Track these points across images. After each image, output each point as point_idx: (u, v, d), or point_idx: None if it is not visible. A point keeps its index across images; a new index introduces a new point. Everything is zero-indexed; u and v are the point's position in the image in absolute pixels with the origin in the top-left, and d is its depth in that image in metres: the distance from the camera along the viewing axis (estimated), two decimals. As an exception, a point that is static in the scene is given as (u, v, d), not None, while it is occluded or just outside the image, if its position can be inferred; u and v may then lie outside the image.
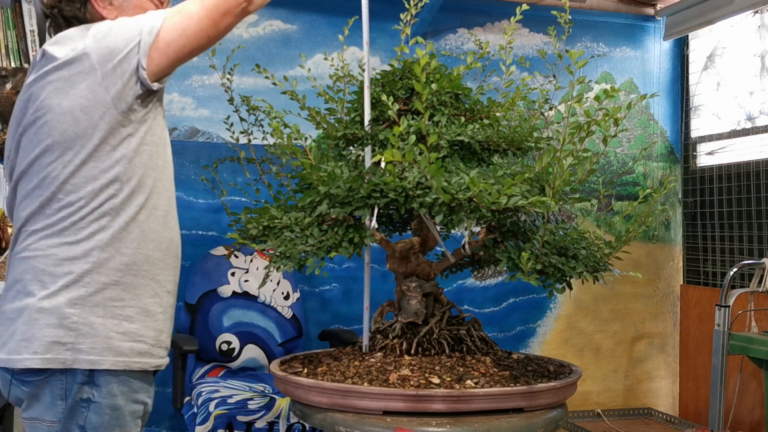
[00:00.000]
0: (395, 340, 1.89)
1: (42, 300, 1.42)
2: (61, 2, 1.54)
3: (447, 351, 1.89)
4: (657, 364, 3.87)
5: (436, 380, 1.72)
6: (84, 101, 1.43)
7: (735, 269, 2.95)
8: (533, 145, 2.02)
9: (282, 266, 1.68)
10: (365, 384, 1.71)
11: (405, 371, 1.76)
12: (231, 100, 2.03)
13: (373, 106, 1.95)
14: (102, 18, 1.53)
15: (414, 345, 1.88)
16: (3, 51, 2.61)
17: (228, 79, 2.25)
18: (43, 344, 1.40)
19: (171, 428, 3.17)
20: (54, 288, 1.42)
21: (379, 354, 1.88)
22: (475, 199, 1.62)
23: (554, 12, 1.99)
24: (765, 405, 2.94)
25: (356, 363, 1.85)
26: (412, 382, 1.71)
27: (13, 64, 2.60)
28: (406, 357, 1.85)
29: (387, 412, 1.67)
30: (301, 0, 3.35)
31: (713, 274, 3.70)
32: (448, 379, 1.74)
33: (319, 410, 1.75)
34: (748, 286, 2.96)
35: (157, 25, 1.43)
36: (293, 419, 2.53)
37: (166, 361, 1.56)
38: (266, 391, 2.65)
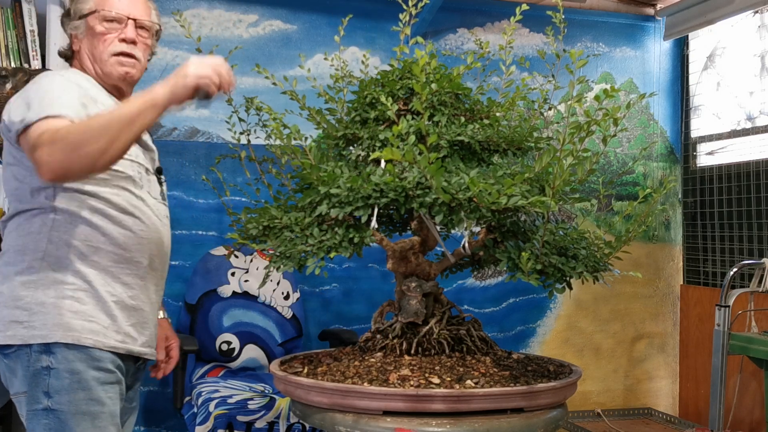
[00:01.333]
0: (395, 340, 1.89)
1: (1, 284, 1.63)
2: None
3: (447, 351, 1.89)
4: (657, 364, 3.87)
5: (436, 380, 1.72)
6: None
7: (735, 269, 2.95)
8: (533, 145, 2.02)
9: (282, 266, 1.69)
10: (365, 384, 1.71)
11: (405, 371, 1.76)
12: (230, 101, 2.02)
13: (373, 106, 1.95)
14: (72, 51, 1.77)
15: (414, 345, 1.87)
16: (3, 51, 2.61)
17: None
18: (4, 323, 1.60)
19: (171, 428, 3.17)
20: (10, 273, 1.62)
21: (379, 354, 1.88)
22: (475, 199, 1.62)
23: (549, 12, 1.99)
24: (765, 405, 2.94)
25: (356, 363, 1.85)
26: (412, 382, 1.71)
27: (13, 64, 2.60)
28: (406, 357, 1.85)
29: (387, 412, 1.67)
30: (301, 0, 3.35)
31: (713, 274, 3.70)
32: (448, 379, 1.74)
33: (319, 410, 1.75)
34: (748, 286, 2.96)
35: None
36: (293, 419, 2.53)
37: (130, 347, 1.67)
38: (266, 391, 2.65)
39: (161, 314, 1.98)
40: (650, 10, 3.87)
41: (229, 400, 2.54)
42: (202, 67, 1.49)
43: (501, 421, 1.68)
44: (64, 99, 1.53)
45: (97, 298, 1.63)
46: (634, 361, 3.84)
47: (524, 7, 2.12)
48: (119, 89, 1.77)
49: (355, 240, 1.69)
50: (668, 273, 3.89)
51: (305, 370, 1.86)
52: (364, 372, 1.78)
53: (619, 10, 3.82)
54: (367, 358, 1.88)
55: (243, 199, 3.01)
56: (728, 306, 2.87)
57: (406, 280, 1.93)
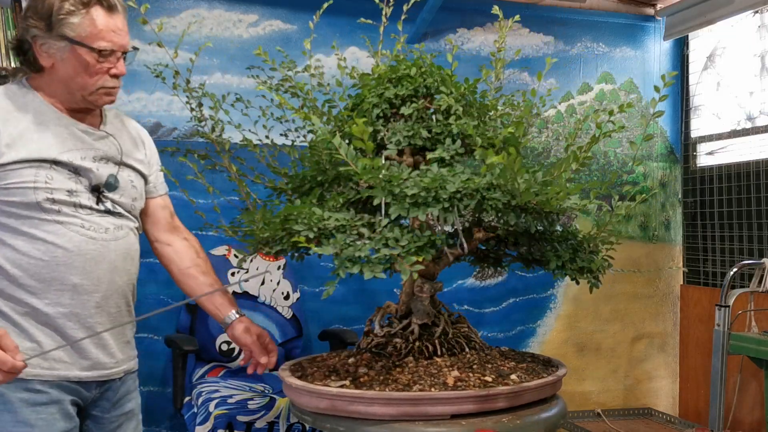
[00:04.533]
0: (416, 343, 1.86)
1: None
2: (22, 43, 1.70)
3: (466, 349, 1.89)
4: (657, 364, 3.87)
5: (489, 378, 1.73)
6: None
7: (735, 269, 2.95)
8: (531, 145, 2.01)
9: (369, 271, 1.52)
10: (432, 389, 1.67)
11: (455, 372, 1.74)
12: (187, 90, 1.93)
13: (391, 103, 1.87)
14: (38, 63, 1.68)
15: (438, 346, 1.85)
16: (3, 51, 2.61)
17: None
18: None
19: (171, 428, 3.17)
20: None
21: (410, 358, 1.82)
22: (534, 202, 1.60)
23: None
24: (765, 405, 2.94)
25: (398, 370, 1.77)
26: (470, 383, 1.70)
27: (13, 64, 2.60)
28: (437, 359, 1.81)
29: (456, 416, 1.64)
30: (301, 0, 3.35)
31: (713, 274, 3.70)
32: (493, 375, 1.75)
33: (381, 422, 1.65)
34: (748, 286, 2.96)
35: None
36: (293, 419, 2.53)
37: (62, 373, 1.67)
38: (266, 391, 2.65)
39: (232, 315, 1.93)
40: (650, 10, 3.87)
41: (229, 400, 2.54)
42: None
43: (542, 407, 1.74)
44: None
45: (15, 325, 1.63)
46: (634, 361, 3.84)
47: (515, 20, 2.11)
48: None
49: (437, 243, 1.64)
50: (668, 273, 3.89)
51: (347, 382, 1.73)
52: (416, 378, 1.74)
53: (619, 10, 3.82)
54: (400, 363, 1.81)
55: (235, 199, 3.00)
56: (728, 306, 2.87)
57: (418, 281, 1.91)
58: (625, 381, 3.83)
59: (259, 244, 1.76)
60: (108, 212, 1.75)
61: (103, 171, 1.75)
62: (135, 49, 1.75)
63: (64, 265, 1.66)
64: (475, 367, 1.80)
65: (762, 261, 2.93)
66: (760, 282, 2.90)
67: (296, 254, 1.84)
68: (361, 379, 1.73)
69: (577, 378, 3.75)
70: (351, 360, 1.87)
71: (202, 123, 1.98)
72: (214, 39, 3.24)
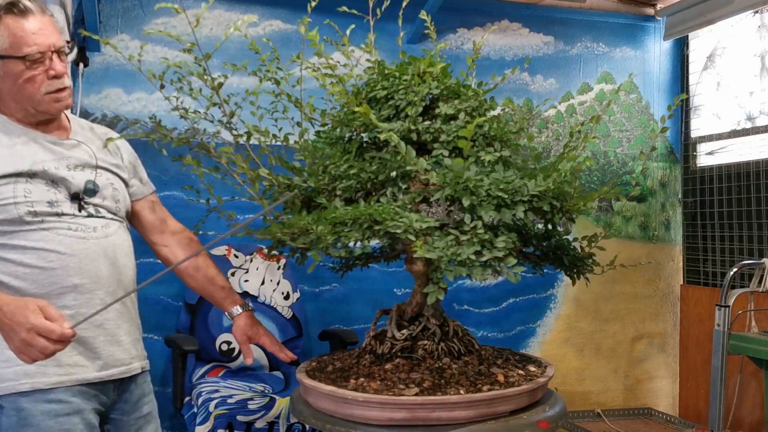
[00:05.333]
0: (441, 344, 1.82)
1: None
2: None
3: (477, 347, 1.89)
4: (657, 364, 3.87)
5: (533, 368, 1.78)
6: None
7: (735, 269, 2.95)
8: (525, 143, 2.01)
9: (479, 275, 1.50)
10: (500, 389, 1.66)
11: (497, 370, 1.76)
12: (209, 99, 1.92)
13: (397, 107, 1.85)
14: None
15: (459, 345, 1.85)
16: None
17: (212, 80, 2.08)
18: None
19: (171, 428, 3.17)
20: None
21: (447, 359, 1.80)
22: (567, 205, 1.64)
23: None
24: (765, 405, 2.94)
25: (448, 372, 1.74)
26: (512, 379, 1.71)
27: None
28: (464, 357, 1.81)
29: (514, 412, 1.67)
30: (301, 0, 3.35)
31: (713, 274, 3.70)
32: (521, 371, 1.80)
33: (459, 426, 1.60)
34: (748, 286, 2.96)
35: None
36: (293, 419, 2.53)
37: (80, 377, 1.67)
38: (266, 391, 2.65)
39: (235, 310, 1.98)
40: (650, 10, 3.87)
41: (229, 400, 2.54)
42: (26, 352, 1.47)
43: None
44: None
45: None
46: (634, 361, 3.84)
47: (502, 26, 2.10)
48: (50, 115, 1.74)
49: (517, 243, 1.63)
50: (668, 273, 3.89)
51: (413, 390, 1.65)
52: (471, 378, 1.72)
53: (619, 10, 3.82)
54: (440, 364, 1.78)
55: (243, 199, 3.00)
56: (728, 306, 2.87)
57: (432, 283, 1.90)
58: (625, 381, 3.83)
59: (305, 245, 1.67)
60: (91, 217, 1.74)
61: (79, 178, 1.73)
62: (68, 42, 1.70)
63: (60, 269, 1.66)
64: (499, 362, 1.84)
65: (762, 261, 2.93)
66: (760, 282, 2.90)
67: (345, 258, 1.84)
68: (425, 384, 1.67)
69: (577, 378, 3.75)
70: (388, 366, 1.77)
71: (225, 123, 1.96)
72: (215, 39, 3.24)
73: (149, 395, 1.88)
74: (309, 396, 1.76)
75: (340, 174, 1.79)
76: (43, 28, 1.64)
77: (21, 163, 1.64)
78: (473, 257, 1.49)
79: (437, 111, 1.79)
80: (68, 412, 1.63)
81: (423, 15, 2.04)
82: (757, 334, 2.82)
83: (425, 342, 1.82)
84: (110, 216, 1.79)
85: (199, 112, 1.98)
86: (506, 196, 1.56)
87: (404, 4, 2.07)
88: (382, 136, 1.62)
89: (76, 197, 1.72)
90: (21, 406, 1.59)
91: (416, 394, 1.58)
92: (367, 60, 1.98)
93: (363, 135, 1.87)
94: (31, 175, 1.65)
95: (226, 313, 2.02)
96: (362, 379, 1.71)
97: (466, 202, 1.56)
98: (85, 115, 3.12)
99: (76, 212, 1.71)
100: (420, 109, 1.77)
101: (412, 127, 1.75)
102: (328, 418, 1.66)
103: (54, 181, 1.69)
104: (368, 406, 1.56)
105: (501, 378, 1.71)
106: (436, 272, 1.54)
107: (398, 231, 1.54)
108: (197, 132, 1.95)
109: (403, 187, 1.72)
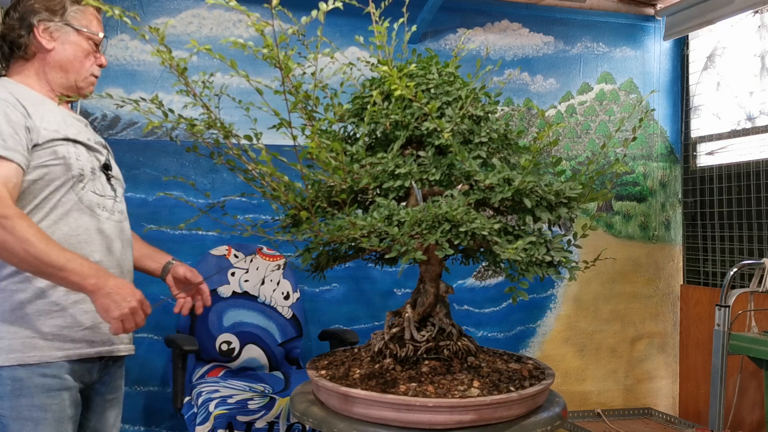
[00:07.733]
0: (459, 343, 1.81)
1: None
2: (11, 30, 1.74)
3: (475, 344, 1.92)
4: (657, 364, 3.87)
5: (531, 366, 1.85)
6: None
7: (735, 269, 2.95)
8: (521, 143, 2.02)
9: (555, 273, 1.55)
10: (536, 383, 1.73)
11: (513, 364, 1.82)
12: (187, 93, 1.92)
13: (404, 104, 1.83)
14: (42, 47, 1.75)
15: (470, 344, 1.86)
16: None
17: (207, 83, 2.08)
18: None
19: (171, 428, 3.17)
20: None
21: (473, 358, 1.81)
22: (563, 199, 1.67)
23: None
24: (765, 405, 2.94)
25: (483, 370, 1.75)
26: (525, 373, 1.78)
27: None
28: (481, 355, 1.85)
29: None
30: (301, 0, 3.34)
31: (713, 274, 3.70)
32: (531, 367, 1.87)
33: (513, 423, 1.61)
34: (748, 286, 2.96)
35: None
36: (293, 419, 2.53)
37: (83, 351, 1.72)
38: (266, 391, 2.65)
39: (166, 261, 2.03)
40: (650, 10, 3.87)
41: (229, 400, 2.54)
42: (126, 321, 1.58)
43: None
44: (5, 133, 1.59)
45: (56, 305, 1.67)
46: (634, 361, 3.84)
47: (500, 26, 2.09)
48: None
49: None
50: (668, 273, 3.89)
51: (475, 392, 1.63)
52: (506, 376, 1.75)
53: (619, 10, 3.82)
54: (468, 364, 1.78)
55: (243, 200, 3.00)
56: (728, 306, 2.87)
57: (443, 283, 1.90)
58: (625, 381, 3.83)
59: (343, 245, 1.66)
60: (114, 190, 1.84)
61: (102, 152, 1.84)
62: (105, 37, 1.89)
63: (85, 243, 1.72)
64: (505, 357, 1.91)
65: (762, 261, 2.93)
66: (760, 282, 2.90)
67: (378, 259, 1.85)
68: (476, 384, 1.65)
69: (577, 378, 3.75)
70: (424, 369, 1.73)
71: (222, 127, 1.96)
72: (215, 39, 3.24)
73: (121, 381, 1.93)
74: (354, 406, 1.62)
75: (388, 173, 1.71)
76: (100, 20, 1.86)
77: (66, 131, 1.73)
78: (546, 257, 1.55)
79: (462, 112, 1.79)
80: (59, 388, 1.68)
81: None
82: (757, 334, 2.82)
83: (447, 342, 1.80)
84: (120, 197, 1.89)
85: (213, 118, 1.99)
86: (554, 198, 1.62)
87: (406, 3, 2.07)
88: (445, 135, 1.61)
89: (105, 168, 1.83)
90: (18, 376, 1.63)
91: (478, 395, 1.57)
92: (372, 57, 1.99)
93: (398, 132, 1.78)
94: (75, 141, 1.74)
95: (162, 265, 2.04)
96: (413, 384, 1.64)
97: (529, 204, 1.60)
98: (85, 114, 3.12)
99: (105, 182, 1.81)
100: (460, 111, 1.76)
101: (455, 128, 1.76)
102: (380, 428, 1.58)
103: (90, 149, 1.79)
104: (437, 412, 1.53)
105: (525, 372, 1.76)
106: (521, 273, 1.56)
107: (485, 233, 1.54)
108: (229, 134, 1.98)
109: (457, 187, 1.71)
